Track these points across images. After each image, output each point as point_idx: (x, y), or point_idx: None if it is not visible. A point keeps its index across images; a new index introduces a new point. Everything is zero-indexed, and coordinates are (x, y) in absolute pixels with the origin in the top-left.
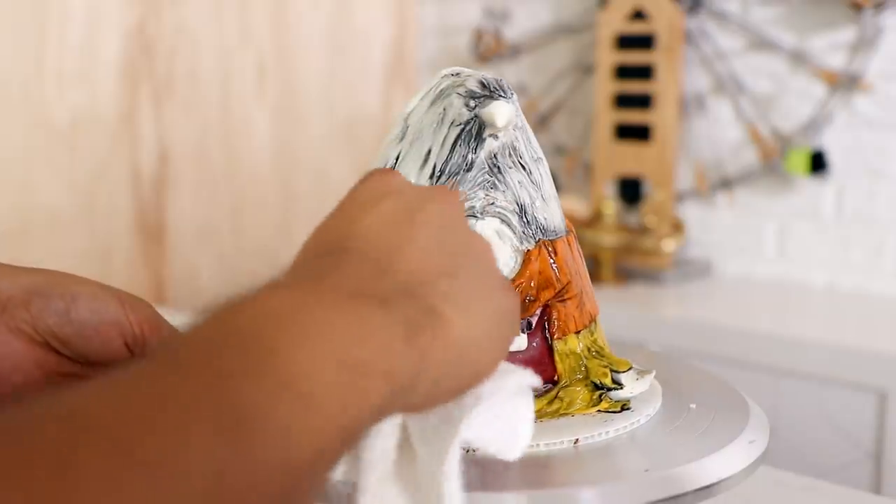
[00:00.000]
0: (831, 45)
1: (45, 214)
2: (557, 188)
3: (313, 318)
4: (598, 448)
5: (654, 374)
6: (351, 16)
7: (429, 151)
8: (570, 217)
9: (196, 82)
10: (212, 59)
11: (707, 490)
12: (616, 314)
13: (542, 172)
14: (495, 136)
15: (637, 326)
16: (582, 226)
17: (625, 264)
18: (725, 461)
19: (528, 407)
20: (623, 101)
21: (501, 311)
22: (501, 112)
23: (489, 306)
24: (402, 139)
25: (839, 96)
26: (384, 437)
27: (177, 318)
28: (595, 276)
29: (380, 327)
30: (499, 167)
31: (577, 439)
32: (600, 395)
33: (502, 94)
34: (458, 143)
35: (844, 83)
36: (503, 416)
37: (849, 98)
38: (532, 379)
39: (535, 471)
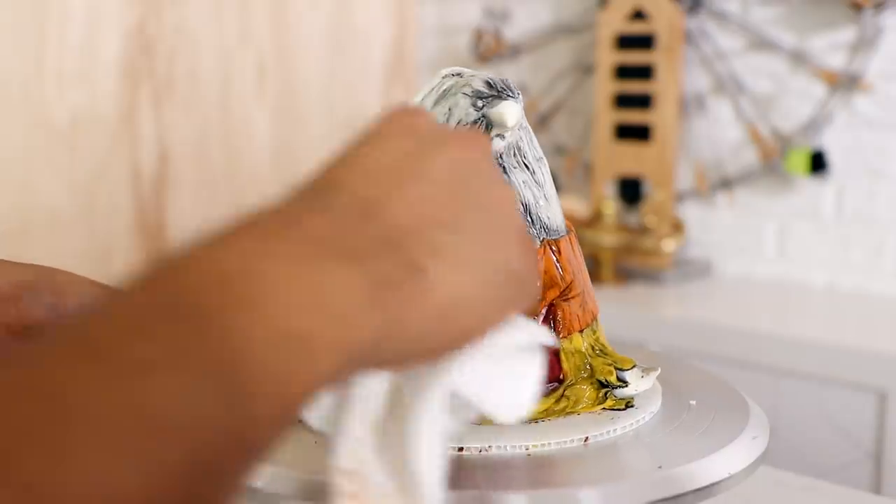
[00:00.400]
0: (831, 45)
1: (45, 214)
2: (557, 188)
3: (265, 280)
4: (599, 448)
5: (658, 371)
6: (351, 16)
7: None
8: (570, 217)
9: (196, 82)
10: (212, 58)
11: (707, 490)
12: (616, 314)
13: (544, 172)
14: (502, 136)
15: (637, 326)
16: (582, 226)
17: (625, 264)
18: (726, 461)
19: (534, 365)
20: (623, 101)
21: (508, 270)
22: (511, 112)
23: (493, 263)
24: None
25: (839, 96)
26: (375, 381)
27: None
28: (595, 276)
29: (341, 287)
30: (504, 167)
31: (586, 437)
32: (605, 393)
33: (510, 94)
34: None
35: (844, 83)
36: (505, 372)
37: (849, 98)
38: (545, 336)
39: (536, 470)
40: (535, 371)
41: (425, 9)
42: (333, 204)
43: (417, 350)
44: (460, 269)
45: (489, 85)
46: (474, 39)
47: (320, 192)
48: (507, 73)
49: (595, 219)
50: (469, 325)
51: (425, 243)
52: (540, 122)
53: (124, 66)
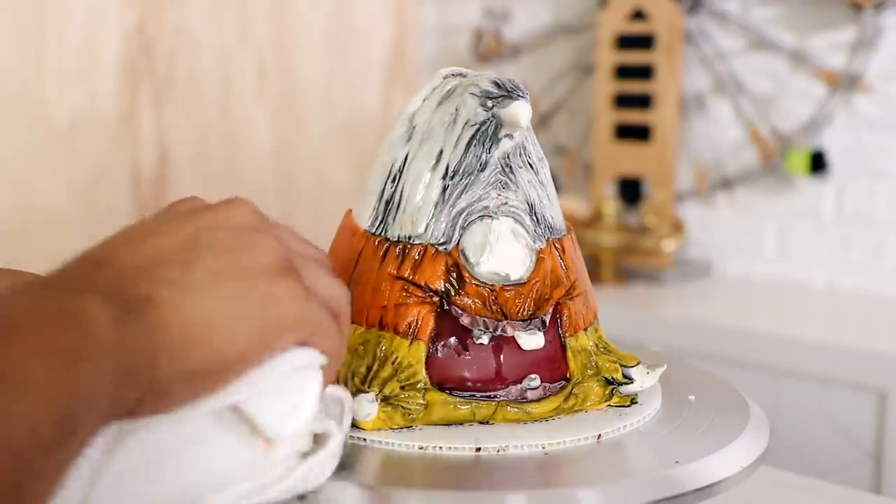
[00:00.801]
0: (831, 45)
1: (45, 214)
2: (557, 188)
3: (29, 315)
4: (597, 447)
5: (664, 367)
6: (351, 16)
7: (441, 152)
8: (569, 217)
9: (196, 82)
10: (212, 58)
11: (707, 490)
12: (616, 314)
13: (546, 172)
14: (511, 136)
15: (637, 326)
16: (582, 226)
17: (625, 264)
18: (726, 461)
19: (312, 383)
20: (623, 101)
21: (259, 295)
22: (524, 112)
23: (239, 290)
24: (409, 140)
25: (839, 96)
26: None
27: None
28: (595, 276)
29: (88, 314)
30: (511, 167)
31: (599, 435)
32: (612, 391)
33: (521, 94)
34: (473, 143)
35: (844, 83)
36: (284, 389)
37: (849, 98)
38: (314, 357)
39: (537, 471)
40: (312, 388)
41: (425, 9)
42: (79, 260)
43: (178, 376)
44: (201, 296)
45: (497, 85)
46: (474, 39)
47: (75, 259)
48: (507, 73)
49: (595, 219)
50: (224, 343)
51: (159, 278)
52: (540, 122)
53: (124, 67)
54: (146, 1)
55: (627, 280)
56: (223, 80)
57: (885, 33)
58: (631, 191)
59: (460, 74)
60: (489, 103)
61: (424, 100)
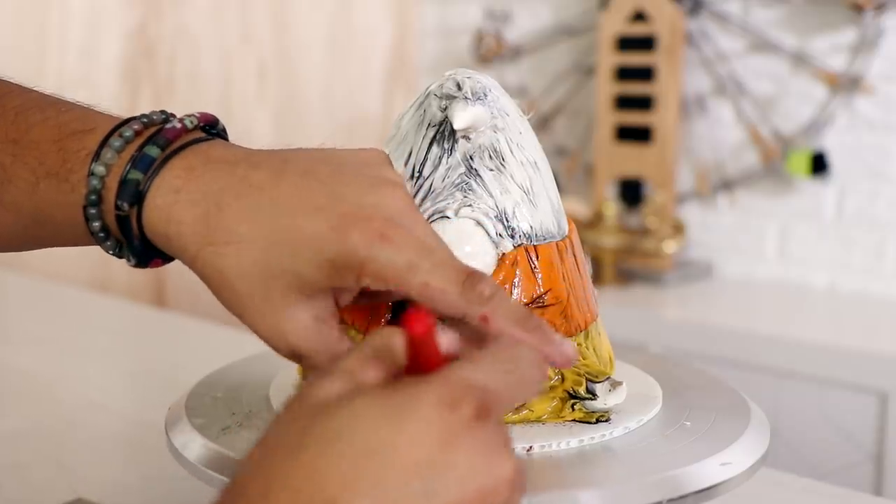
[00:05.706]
0: (832, 46)
1: None
2: (558, 190)
3: None
4: (599, 450)
5: (624, 384)
6: (351, 17)
7: (410, 153)
8: (570, 219)
9: (197, 84)
10: (212, 60)
11: (708, 492)
12: (617, 316)
13: (531, 175)
14: (467, 138)
15: (638, 328)
16: (583, 227)
17: (626, 266)
18: (726, 463)
19: None
20: (624, 102)
21: None
22: (458, 115)
23: None
24: (391, 140)
25: (840, 98)
26: None
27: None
28: (596, 277)
29: None
30: (476, 169)
31: (530, 447)
32: (573, 405)
33: (467, 96)
34: (433, 144)
35: (845, 84)
36: None
37: (850, 99)
38: None
39: (533, 473)
40: None
41: (426, 10)
42: None
43: None
44: None
45: (458, 86)
46: (475, 41)
47: None
48: (507, 74)
49: (596, 220)
50: None
51: None
52: (541, 123)
53: (125, 68)
54: (147, 2)
55: (628, 281)
56: (224, 81)
57: (885, 35)
58: (632, 192)
59: (450, 76)
60: (443, 104)
61: (413, 102)
